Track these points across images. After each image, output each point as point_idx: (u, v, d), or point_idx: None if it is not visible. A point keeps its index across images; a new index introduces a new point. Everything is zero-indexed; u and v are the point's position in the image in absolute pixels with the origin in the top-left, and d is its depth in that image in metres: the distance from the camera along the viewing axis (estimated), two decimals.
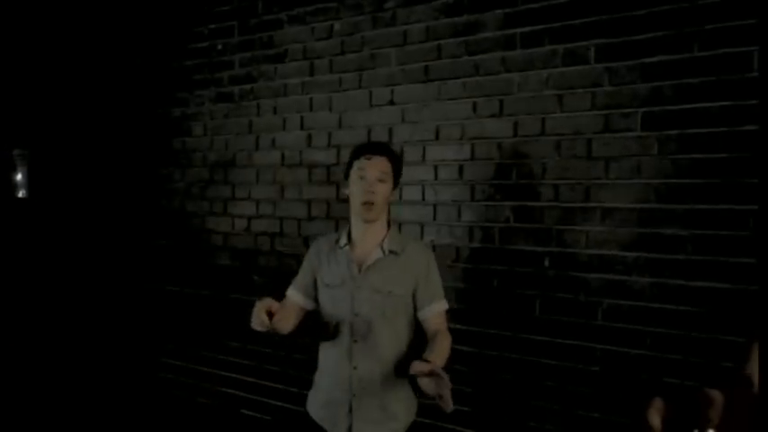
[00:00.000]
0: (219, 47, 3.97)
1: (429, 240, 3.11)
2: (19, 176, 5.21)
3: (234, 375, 3.87)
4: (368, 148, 2.27)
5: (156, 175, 4.31)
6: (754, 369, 1.47)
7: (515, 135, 2.89)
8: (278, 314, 2.04)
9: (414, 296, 2.22)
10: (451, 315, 3.02)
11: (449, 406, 1.77)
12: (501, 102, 2.92)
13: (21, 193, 5.21)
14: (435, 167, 3.11)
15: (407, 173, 3.17)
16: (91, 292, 4.69)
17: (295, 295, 2.38)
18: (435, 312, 2.20)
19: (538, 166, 2.84)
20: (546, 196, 2.82)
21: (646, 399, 0.72)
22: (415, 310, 2.24)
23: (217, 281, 3.98)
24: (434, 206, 3.12)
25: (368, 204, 2.19)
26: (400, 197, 3.20)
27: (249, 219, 3.84)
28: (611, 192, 2.66)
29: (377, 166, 2.22)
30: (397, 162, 2.29)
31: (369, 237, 2.26)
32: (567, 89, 2.75)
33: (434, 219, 3.11)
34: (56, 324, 4.80)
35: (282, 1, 3.68)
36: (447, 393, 1.77)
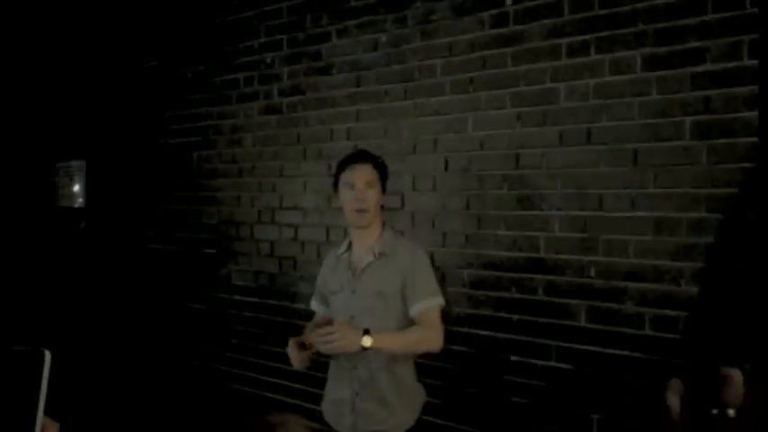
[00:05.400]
0: (269, 60, 4.07)
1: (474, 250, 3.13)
2: (76, 187, 5.42)
3: (279, 381, 3.94)
4: (352, 158, 2.42)
5: (207, 185, 4.43)
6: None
7: (560, 144, 2.89)
8: (311, 340, 2.27)
9: (403, 296, 2.31)
10: (495, 325, 3.04)
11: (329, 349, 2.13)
12: (545, 112, 2.93)
13: (78, 203, 5.41)
14: (480, 177, 3.13)
15: (453, 182, 3.20)
16: (143, 298, 4.83)
17: (318, 307, 2.59)
18: (422, 310, 2.28)
19: (584, 176, 2.83)
20: (591, 206, 2.80)
21: (664, 379, 0.73)
22: (407, 309, 2.32)
23: (264, 288, 4.07)
24: (478, 217, 3.13)
25: (360, 212, 2.32)
26: (443, 207, 3.23)
27: (296, 227, 3.92)
28: (658, 201, 2.63)
29: (363, 174, 2.34)
30: (381, 168, 2.42)
31: (364, 242, 2.39)
32: (614, 98, 2.74)
33: (479, 229, 3.13)
34: (112, 329, 4.95)
35: (330, 15, 3.76)
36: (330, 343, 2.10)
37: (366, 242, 2.38)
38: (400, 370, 2.33)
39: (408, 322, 2.32)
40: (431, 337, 2.27)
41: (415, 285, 2.30)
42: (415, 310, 2.29)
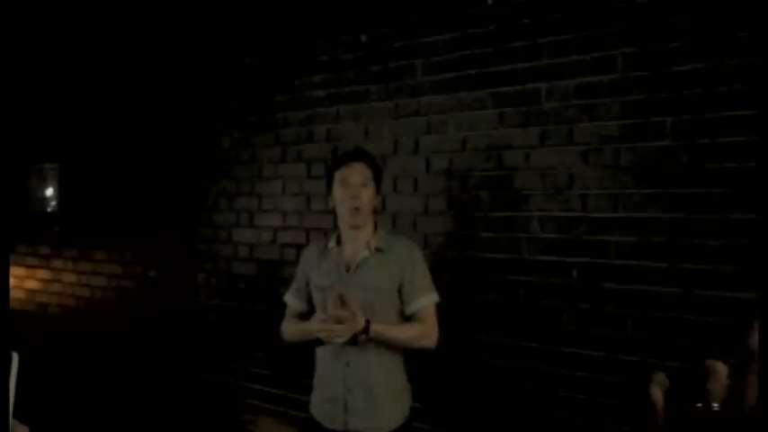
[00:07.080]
0: (248, 60, 4.02)
1: (451, 252, 3.10)
2: (49, 191, 5.31)
3: (259, 387, 3.88)
4: (347, 156, 2.37)
5: (183, 187, 4.36)
6: (754, 343, 1.46)
7: (542, 145, 2.88)
8: (317, 329, 2.21)
9: (400, 292, 2.30)
10: (478, 325, 3.01)
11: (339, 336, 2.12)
12: (528, 112, 2.92)
13: (50, 207, 5.30)
14: (462, 178, 3.11)
15: (435, 183, 3.17)
16: (117, 304, 4.74)
17: (294, 301, 2.51)
18: (421, 307, 2.29)
19: (565, 177, 2.82)
20: (573, 207, 2.80)
21: (649, 373, 0.71)
22: (402, 305, 2.31)
23: (242, 292, 4.01)
24: (458, 217, 3.11)
25: (355, 210, 2.28)
26: (426, 209, 3.21)
27: (275, 230, 3.87)
28: (640, 202, 2.63)
29: (359, 172, 2.31)
30: (376, 168, 2.39)
31: (357, 240, 2.35)
32: (595, 98, 2.74)
33: (459, 230, 3.10)
34: (85, 335, 4.85)
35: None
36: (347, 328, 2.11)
37: (360, 240, 2.34)
38: (392, 368, 2.32)
39: (403, 318, 2.31)
40: (428, 334, 2.28)
41: (414, 282, 2.30)
42: (413, 306, 2.29)
